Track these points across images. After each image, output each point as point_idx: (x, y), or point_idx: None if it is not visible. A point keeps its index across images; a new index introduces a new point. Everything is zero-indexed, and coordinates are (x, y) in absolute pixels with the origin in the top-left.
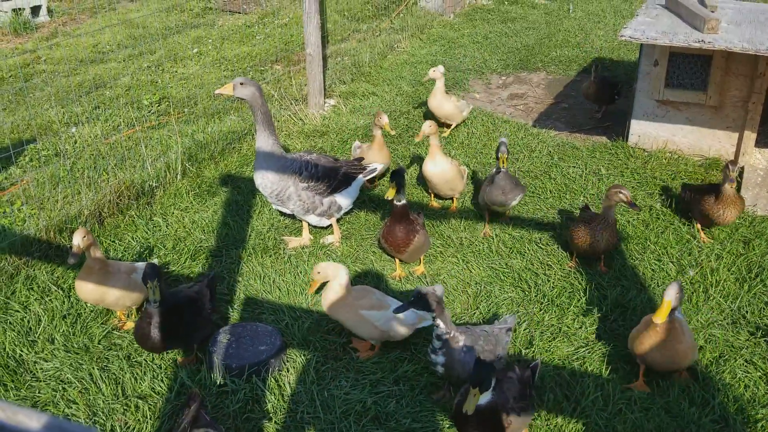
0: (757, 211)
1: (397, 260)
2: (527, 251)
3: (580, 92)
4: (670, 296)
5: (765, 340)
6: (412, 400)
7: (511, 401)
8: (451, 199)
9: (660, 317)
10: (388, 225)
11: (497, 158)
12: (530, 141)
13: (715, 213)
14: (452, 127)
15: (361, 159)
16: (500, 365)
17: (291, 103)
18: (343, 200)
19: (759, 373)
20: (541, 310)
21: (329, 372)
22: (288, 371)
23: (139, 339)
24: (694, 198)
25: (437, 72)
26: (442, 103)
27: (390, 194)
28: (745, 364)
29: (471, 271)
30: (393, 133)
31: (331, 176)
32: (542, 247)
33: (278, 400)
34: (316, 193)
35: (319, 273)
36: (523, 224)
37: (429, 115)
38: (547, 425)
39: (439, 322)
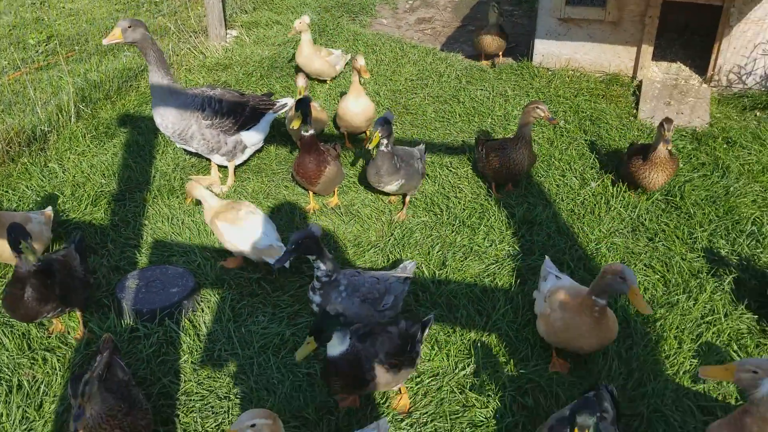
0: (655, 123)
1: (310, 193)
2: (438, 176)
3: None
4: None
5: (662, 244)
6: None
7: (382, 355)
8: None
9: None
10: (298, 157)
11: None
12: (438, 66)
13: (641, 175)
14: (327, 83)
15: (270, 94)
16: (382, 317)
17: (190, 36)
18: (251, 138)
19: (657, 276)
20: (453, 231)
21: (245, 309)
22: (203, 311)
23: (9, 307)
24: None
25: (302, 23)
26: (311, 58)
27: (295, 124)
28: (645, 268)
29: (383, 199)
30: (368, 76)
31: (238, 112)
32: (453, 170)
33: (194, 340)
34: (221, 130)
35: (191, 181)
36: (433, 149)
37: (300, 71)
38: (461, 341)
39: (319, 264)
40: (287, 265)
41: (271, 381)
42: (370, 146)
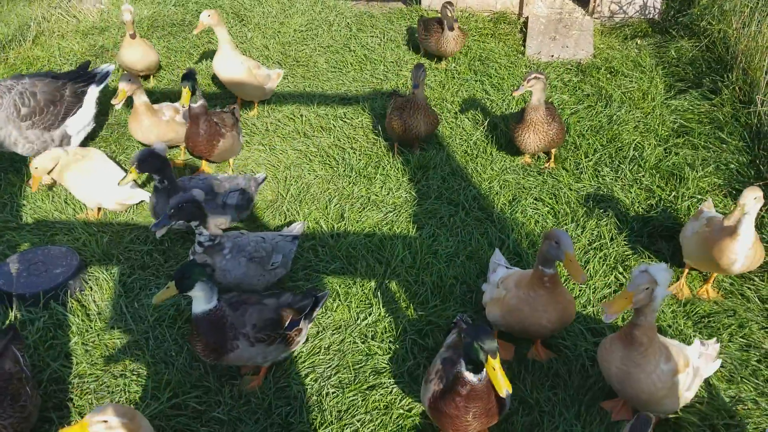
0: (542, 59)
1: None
2: (333, 128)
3: None
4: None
5: (552, 177)
6: None
7: (249, 327)
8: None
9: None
10: (188, 129)
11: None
12: (328, 15)
13: (517, 138)
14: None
15: (86, 65)
16: (272, 276)
17: (61, 0)
18: (79, 122)
19: (547, 209)
20: (350, 183)
21: (137, 282)
22: (91, 289)
23: None
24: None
25: (212, 16)
26: (227, 64)
27: (185, 100)
28: (535, 201)
29: (278, 157)
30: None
31: (57, 101)
32: (347, 121)
33: (83, 321)
34: (44, 127)
35: (36, 168)
36: (327, 101)
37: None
38: (362, 291)
39: (201, 229)
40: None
41: (168, 353)
42: None
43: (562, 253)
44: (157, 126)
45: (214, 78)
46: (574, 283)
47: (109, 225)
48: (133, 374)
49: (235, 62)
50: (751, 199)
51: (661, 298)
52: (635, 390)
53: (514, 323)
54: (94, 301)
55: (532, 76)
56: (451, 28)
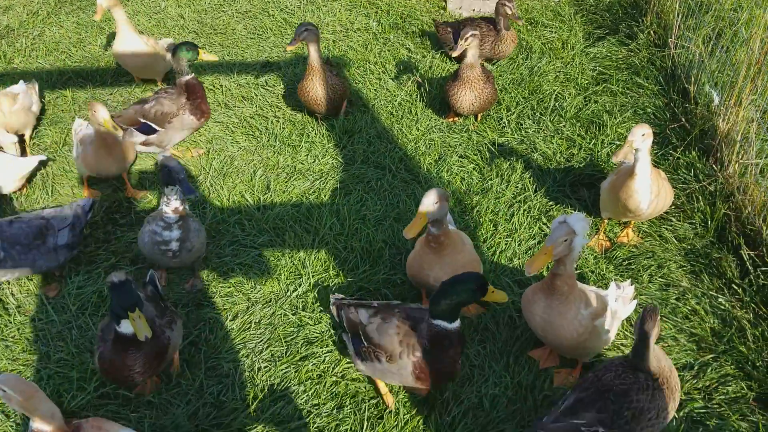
0: (463, 13)
1: None
2: (255, 96)
3: None
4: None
5: (476, 134)
6: None
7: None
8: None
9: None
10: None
11: None
12: None
13: (451, 95)
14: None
15: None
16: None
17: None
18: None
19: (472, 165)
20: (275, 153)
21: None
22: (9, 283)
23: None
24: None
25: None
26: (130, 45)
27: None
28: (460, 159)
29: (199, 130)
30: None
31: None
32: (269, 89)
33: (2, 315)
34: None
35: None
36: (248, 69)
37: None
38: (291, 262)
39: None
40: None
41: (93, 342)
42: None
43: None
44: None
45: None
46: (500, 237)
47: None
48: (57, 366)
49: (136, 41)
50: (639, 135)
51: (580, 247)
52: (559, 337)
53: (411, 279)
54: (12, 295)
55: (469, 33)
56: (507, 28)
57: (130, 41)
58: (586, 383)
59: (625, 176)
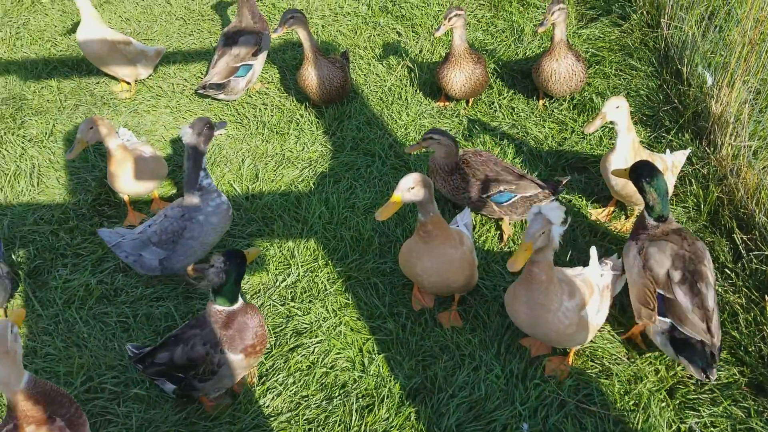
0: None
1: None
2: None
3: None
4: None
5: (467, 118)
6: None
7: None
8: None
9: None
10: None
11: None
12: None
13: (441, 77)
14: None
15: None
16: None
17: None
18: None
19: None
20: (263, 141)
21: (43, 266)
22: None
23: None
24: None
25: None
26: (89, 38)
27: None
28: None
29: (187, 118)
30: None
31: None
32: (258, 77)
33: None
34: None
35: None
36: None
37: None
38: (280, 252)
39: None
40: None
41: (80, 336)
42: None
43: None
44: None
45: None
46: (490, 223)
47: (10, 207)
48: (44, 361)
49: (97, 35)
50: (613, 107)
51: (558, 236)
52: (545, 330)
53: (402, 268)
54: None
55: (453, 13)
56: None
57: (88, 30)
58: None
59: (608, 152)
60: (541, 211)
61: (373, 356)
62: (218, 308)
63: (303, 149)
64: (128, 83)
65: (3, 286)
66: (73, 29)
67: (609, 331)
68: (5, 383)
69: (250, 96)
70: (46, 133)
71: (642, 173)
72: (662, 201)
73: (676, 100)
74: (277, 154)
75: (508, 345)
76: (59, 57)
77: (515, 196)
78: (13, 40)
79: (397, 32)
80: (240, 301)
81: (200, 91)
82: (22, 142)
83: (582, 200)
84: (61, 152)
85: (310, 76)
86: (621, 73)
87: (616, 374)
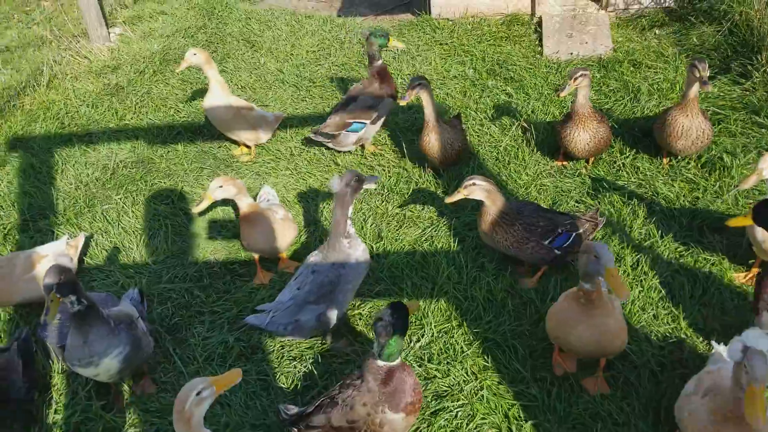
0: (561, 57)
1: None
2: (358, 148)
3: None
4: None
5: (589, 177)
6: None
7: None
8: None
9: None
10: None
11: None
12: (338, 33)
13: (564, 137)
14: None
15: None
16: None
17: (70, 41)
18: None
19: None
20: (383, 201)
21: (183, 322)
22: None
23: None
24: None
25: (198, 55)
26: (215, 105)
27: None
28: (576, 204)
29: (306, 180)
30: None
31: None
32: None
33: None
34: None
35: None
36: None
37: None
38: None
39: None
40: None
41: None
42: None
43: (602, 268)
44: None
45: None
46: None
47: (145, 266)
48: None
49: (220, 98)
50: None
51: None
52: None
53: (549, 333)
54: None
55: (579, 73)
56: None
57: (215, 97)
58: None
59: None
60: (746, 344)
61: (521, 423)
62: (380, 364)
63: (423, 209)
64: (248, 147)
65: (146, 342)
66: (194, 97)
67: None
68: None
69: (365, 157)
70: (175, 195)
71: None
72: None
73: None
74: (398, 213)
75: (668, 411)
76: (182, 123)
77: (572, 234)
78: (138, 107)
79: (507, 93)
80: (399, 357)
81: (311, 136)
82: (154, 203)
83: (723, 262)
84: (189, 214)
85: (431, 140)
86: (748, 132)
87: None
